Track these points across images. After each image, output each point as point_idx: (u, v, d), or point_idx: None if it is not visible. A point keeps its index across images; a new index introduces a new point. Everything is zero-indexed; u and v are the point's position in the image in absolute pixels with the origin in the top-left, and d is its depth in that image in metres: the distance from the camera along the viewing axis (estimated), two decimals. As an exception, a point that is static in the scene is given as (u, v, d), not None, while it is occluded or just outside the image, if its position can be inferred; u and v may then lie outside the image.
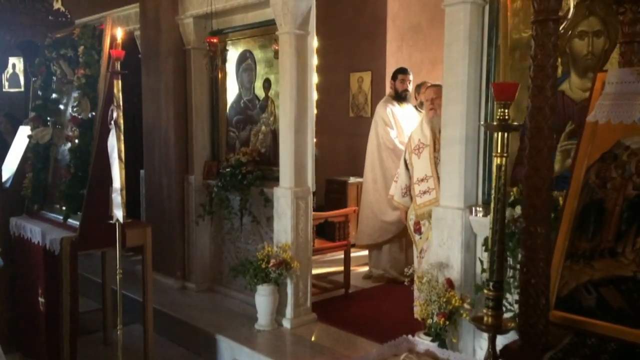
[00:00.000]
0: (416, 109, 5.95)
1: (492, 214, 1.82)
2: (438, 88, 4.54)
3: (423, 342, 3.07)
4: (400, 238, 5.80)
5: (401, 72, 5.85)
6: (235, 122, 5.29)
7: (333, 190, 7.26)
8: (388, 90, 7.17)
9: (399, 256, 5.84)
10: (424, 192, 4.59)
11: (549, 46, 1.53)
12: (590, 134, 1.82)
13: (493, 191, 1.81)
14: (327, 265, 6.05)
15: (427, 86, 4.72)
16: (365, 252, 6.09)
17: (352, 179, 7.23)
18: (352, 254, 5.51)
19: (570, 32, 2.98)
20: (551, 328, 1.64)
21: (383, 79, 7.30)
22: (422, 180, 4.62)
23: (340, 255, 5.69)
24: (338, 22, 7.20)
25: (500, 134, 1.78)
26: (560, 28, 2.87)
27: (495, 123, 1.77)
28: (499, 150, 1.81)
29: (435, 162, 4.51)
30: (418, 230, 4.70)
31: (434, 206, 4.49)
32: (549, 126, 1.55)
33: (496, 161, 1.81)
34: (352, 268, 5.55)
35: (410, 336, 3.29)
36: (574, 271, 1.75)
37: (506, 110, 1.79)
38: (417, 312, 4.62)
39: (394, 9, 7.38)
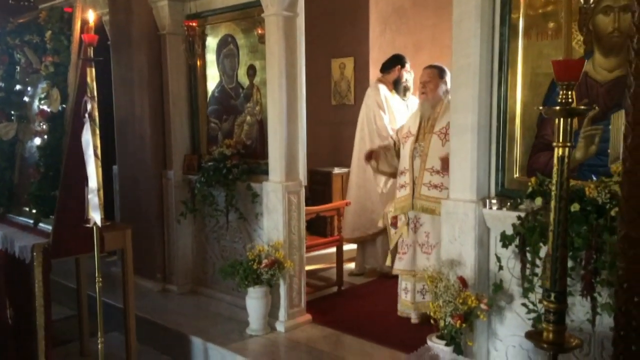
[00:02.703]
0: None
1: (552, 213, 1.56)
2: (432, 70, 4.29)
3: (444, 349, 2.85)
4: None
5: (407, 61, 5.55)
6: (217, 113, 4.94)
7: (316, 181, 6.96)
8: (374, 75, 6.91)
9: (381, 248, 5.59)
10: (401, 187, 4.36)
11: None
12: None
13: (554, 187, 1.55)
14: (315, 261, 5.78)
15: (423, 67, 4.44)
16: (353, 246, 5.83)
17: (336, 170, 6.95)
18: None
19: (593, 7, 2.74)
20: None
21: (366, 64, 7.02)
22: (401, 172, 4.38)
23: (328, 250, 5.43)
24: (317, 5, 6.84)
25: (562, 119, 1.52)
26: (591, 2, 2.65)
27: (557, 107, 1.51)
28: (560, 139, 1.55)
29: (413, 154, 4.26)
30: (394, 224, 4.47)
31: (406, 202, 4.28)
32: (658, 110, 1.30)
33: (558, 152, 1.55)
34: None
35: (430, 342, 3.07)
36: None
37: (569, 92, 1.53)
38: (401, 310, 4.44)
39: (376, -9, 7.10)
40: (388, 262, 4.62)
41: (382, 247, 5.56)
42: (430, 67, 4.39)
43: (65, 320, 4.75)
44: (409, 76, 5.52)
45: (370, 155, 4.69)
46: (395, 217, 4.44)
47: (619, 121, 2.73)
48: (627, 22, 2.65)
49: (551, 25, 2.89)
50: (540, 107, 1.64)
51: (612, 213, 2.51)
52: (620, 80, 2.71)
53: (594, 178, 2.73)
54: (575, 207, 2.59)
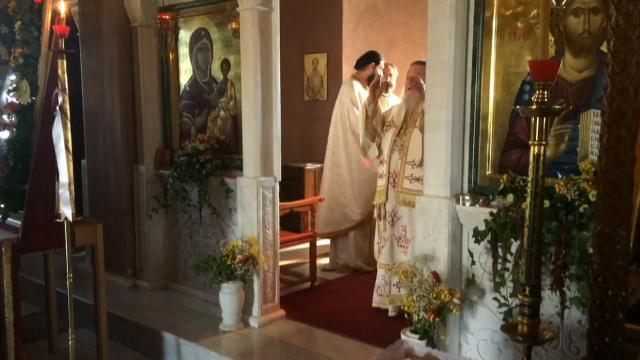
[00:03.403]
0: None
1: (528, 210, 1.61)
2: (420, 66, 4.30)
3: (418, 343, 2.89)
4: (365, 226, 5.60)
5: (381, 57, 5.56)
6: (190, 107, 4.89)
7: (289, 177, 6.93)
8: (348, 71, 6.93)
9: (363, 245, 5.65)
10: (380, 176, 4.42)
11: (635, 15, 1.31)
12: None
13: (530, 184, 1.59)
14: (288, 257, 5.78)
15: (412, 63, 4.46)
16: (326, 242, 5.86)
17: (309, 165, 6.95)
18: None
19: (565, 8, 2.81)
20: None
21: (340, 60, 7.03)
22: (381, 162, 4.44)
23: (301, 245, 5.45)
24: (291, 0, 6.85)
25: (538, 118, 1.56)
26: (563, 3, 2.71)
27: (533, 107, 1.55)
28: (536, 138, 1.59)
29: (393, 147, 4.30)
30: (379, 215, 4.51)
31: (383, 194, 4.32)
32: (633, 110, 1.34)
33: (534, 150, 1.59)
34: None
35: (404, 336, 3.11)
36: (643, 277, 1.57)
37: (545, 92, 1.57)
38: (377, 301, 4.48)
39: (349, -13, 7.11)
40: (376, 254, 4.66)
41: (355, 243, 5.61)
42: (418, 62, 4.39)
43: (32, 317, 4.64)
44: (393, 72, 5.56)
45: (377, 85, 4.46)
46: (379, 208, 4.48)
47: (587, 120, 2.81)
48: (597, 24, 2.74)
49: (523, 25, 2.96)
50: (518, 107, 1.68)
51: (581, 210, 2.58)
52: (589, 80, 2.79)
53: (560, 175, 2.81)
54: (545, 203, 2.65)
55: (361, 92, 5.47)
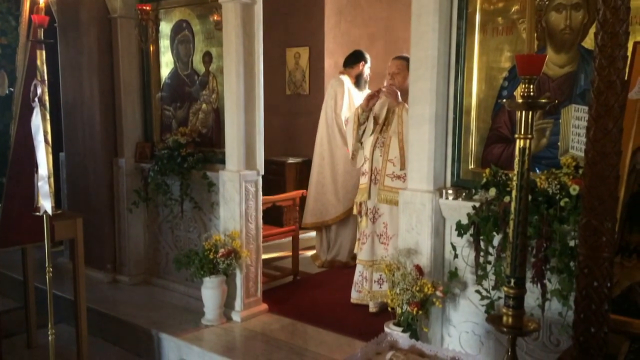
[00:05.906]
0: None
1: (513, 202, 1.62)
2: (401, 62, 4.26)
3: (402, 335, 2.90)
4: (350, 219, 5.61)
5: (368, 57, 5.59)
6: (171, 100, 4.84)
7: (270, 171, 6.86)
8: (330, 66, 6.94)
9: (346, 239, 5.66)
10: (362, 174, 4.41)
11: (622, 9, 1.33)
12: (633, 112, 1.65)
13: (515, 177, 1.61)
14: (271, 250, 5.77)
15: (393, 58, 4.44)
16: (309, 235, 5.86)
17: (290, 159, 6.94)
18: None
19: (547, 4, 2.84)
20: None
21: (321, 54, 7.00)
22: (364, 160, 4.43)
23: (284, 239, 5.43)
24: (272, -7, 6.80)
25: (524, 112, 1.58)
26: (546, -1, 2.74)
27: (520, 100, 1.56)
28: (522, 132, 1.61)
29: (375, 145, 4.29)
30: (359, 212, 4.51)
31: (366, 191, 4.33)
32: (620, 104, 1.36)
33: (519, 143, 1.60)
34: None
35: (387, 329, 3.12)
36: (627, 268, 1.59)
37: (531, 86, 1.59)
38: (355, 298, 4.48)
39: (331, -19, 7.08)
40: (356, 250, 4.66)
41: (338, 238, 5.62)
42: (400, 58, 4.32)
43: (10, 312, 4.57)
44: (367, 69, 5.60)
45: (374, 96, 4.32)
46: (360, 205, 4.48)
47: (568, 115, 2.85)
48: (578, 19, 2.77)
49: (505, 21, 2.98)
50: (504, 100, 1.70)
51: (562, 203, 2.62)
52: (571, 75, 2.83)
53: (537, 170, 2.85)
54: (527, 197, 2.68)
55: (350, 88, 5.50)
